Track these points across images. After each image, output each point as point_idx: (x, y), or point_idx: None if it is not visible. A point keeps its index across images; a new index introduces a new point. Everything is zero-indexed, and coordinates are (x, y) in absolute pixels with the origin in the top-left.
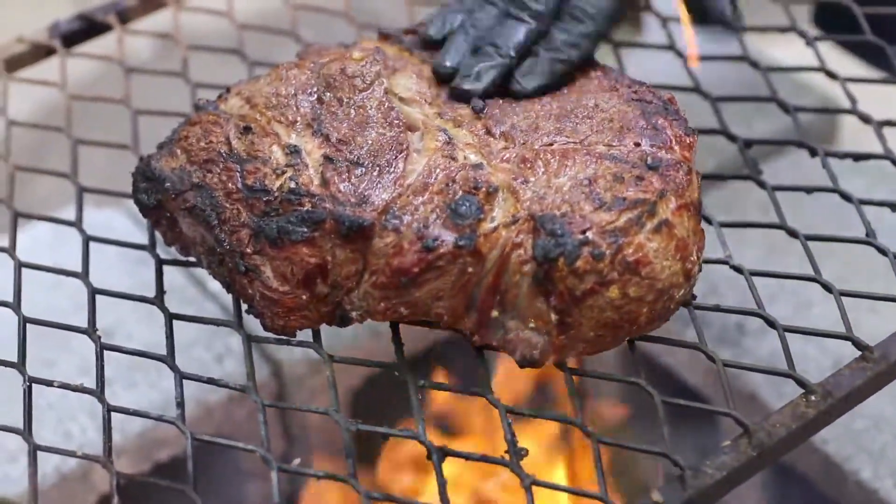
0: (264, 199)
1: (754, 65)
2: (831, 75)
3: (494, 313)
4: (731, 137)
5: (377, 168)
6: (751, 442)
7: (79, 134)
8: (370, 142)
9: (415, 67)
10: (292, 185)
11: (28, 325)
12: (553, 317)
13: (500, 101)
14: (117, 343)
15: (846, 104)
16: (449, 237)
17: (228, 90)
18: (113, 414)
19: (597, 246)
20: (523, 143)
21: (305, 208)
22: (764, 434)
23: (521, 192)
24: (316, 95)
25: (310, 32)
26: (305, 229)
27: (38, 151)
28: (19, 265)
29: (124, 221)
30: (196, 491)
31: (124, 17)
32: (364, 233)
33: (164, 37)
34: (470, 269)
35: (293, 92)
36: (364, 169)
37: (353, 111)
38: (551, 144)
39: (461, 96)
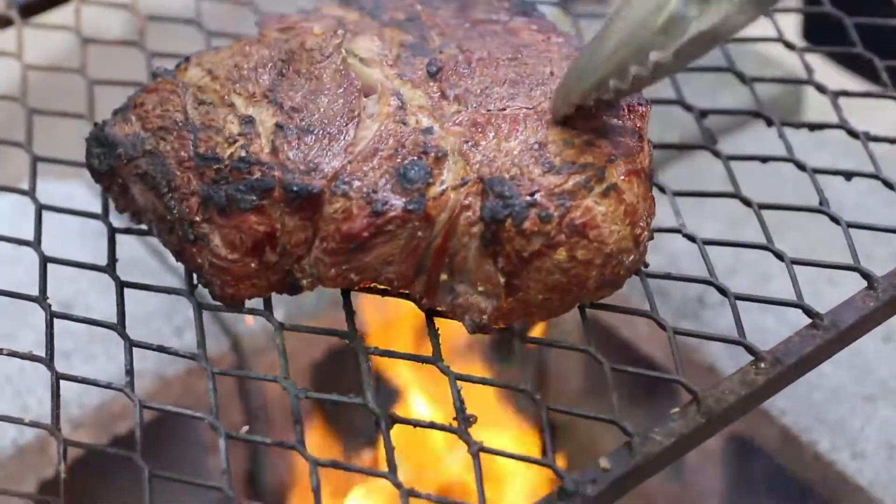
0: (214, 167)
1: None
2: (789, 45)
3: (443, 276)
4: (688, 108)
5: (327, 136)
6: (699, 409)
7: (40, 103)
8: (322, 109)
9: (375, 31)
10: (242, 153)
11: None
12: (501, 279)
13: (457, 63)
14: (76, 313)
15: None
16: (398, 201)
17: (188, 60)
18: (73, 387)
19: (544, 208)
20: (476, 107)
21: (255, 177)
22: (713, 401)
23: (472, 156)
24: (277, 69)
25: (268, 3)
26: (254, 197)
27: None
28: None
29: (85, 193)
30: (143, 458)
31: None
32: (313, 200)
33: (122, 7)
34: (419, 234)
35: (254, 66)
36: (314, 136)
37: (309, 81)
38: (504, 109)
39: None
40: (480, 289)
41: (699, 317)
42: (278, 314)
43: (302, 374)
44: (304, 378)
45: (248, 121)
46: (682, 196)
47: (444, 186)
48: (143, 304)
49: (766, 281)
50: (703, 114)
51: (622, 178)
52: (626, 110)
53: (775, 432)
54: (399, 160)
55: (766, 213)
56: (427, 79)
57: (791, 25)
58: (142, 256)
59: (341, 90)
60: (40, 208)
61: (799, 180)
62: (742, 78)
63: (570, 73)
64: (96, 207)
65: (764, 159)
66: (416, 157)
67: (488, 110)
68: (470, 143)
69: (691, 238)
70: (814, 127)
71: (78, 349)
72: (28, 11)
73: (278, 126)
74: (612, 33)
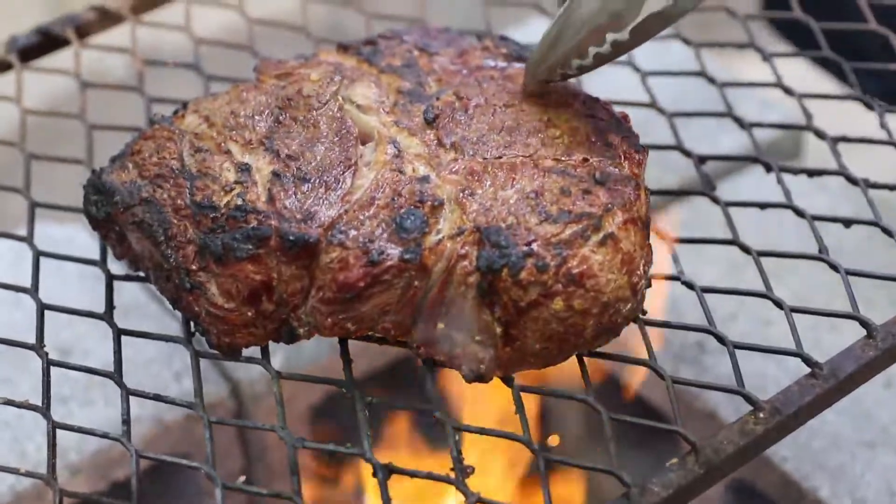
0: (211, 215)
1: (711, 80)
2: (788, 91)
3: (440, 326)
4: (686, 153)
5: (324, 184)
6: (698, 459)
7: (39, 147)
8: (319, 157)
9: (373, 77)
10: (239, 201)
11: None
12: (498, 329)
13: (454, 111)
14: (74, 359)
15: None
16: (394, 251)
17: (185, 106)
18: (71, 433)
19: (541, 258)
20: (472, 155)
21: (251, 225)
22: (711, 451)
23: (468, 205)
24: (273, 116)
25: (267, 47)
26: (250, 246)
27: None
28: None
29: (85, 237)
30: None
31: (82, 31)
32: (309, 249)
33: (121, 51)
34: (416, 283)
35: (251, 113)
36: (311, 185)
37: (306, 128)
38: (500, 157)
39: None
40: (478, 338)
41: (699, 362)
42: (277, 358)
43: (300, 418)
44: (303, 422)
45: (245, 168)
46: (681, 244)
47: (440, 236)
48: (142, 349)
49: (767, 326)
50: (701, 160)
51: (619, 226)
52: (623, 157)
53: (776, 478)
54: (396, 209)
55: (765, 258)
56: (424, 126)
57: (791, 69)
58: (142, 301)
59: (337, 138)
60: (38, 255)
61: (799, 224)
62: (741, 123)
63: (538, 51)
64: (95, 251)
65: (762, 206)
66: (412, 206)
67: (485, 158)
68: (466, 192)
69: (690, 286)
70: (812, 173)
71: (75, 395)
72: (27, 55)
73: (275, 174)
74: (573, 14)
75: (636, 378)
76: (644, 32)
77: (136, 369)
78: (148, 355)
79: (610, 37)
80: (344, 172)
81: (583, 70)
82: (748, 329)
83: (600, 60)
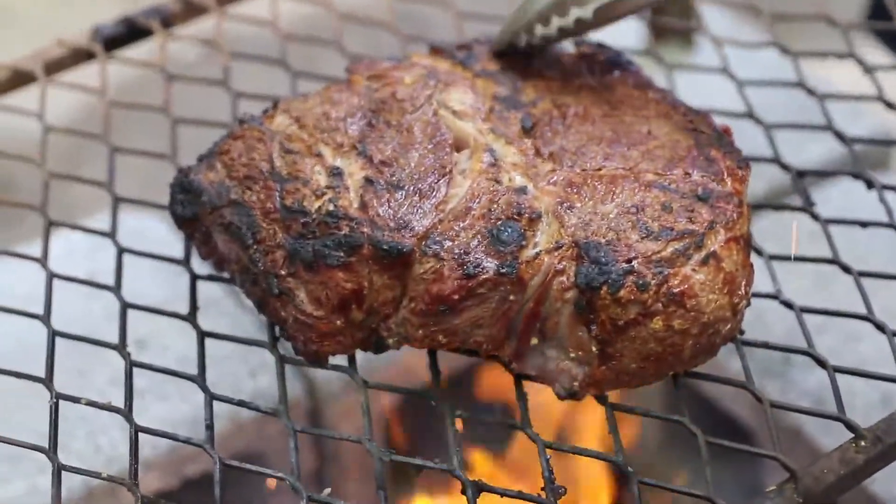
0: (302, 220)
1: (810, 92)
2: (890, 106)
3: (534, 341)
4: (785, 167)
5: (418, 192)
6: (797, 488)
7: (119, 137)
8: (413, 164)
9: (467, 82)
10: (331, 207)
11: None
12: (594, 347)
13: (552, 119)
14: (152, 353)
15: None
16: (490, 264)
17: (275, 106)
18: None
19: (641, 276)
20: (571, 166)
21: (343, 232)
22: (811, 480)
23: (566, 218)
24: (366, 119)
25: (354, 43)
26: (342, 254)
27: (77, 154)
28: (51, 276)
29: (160, 228)
30: None
31: (167, 22)
32: (403, 259)
33: (206, 43)
34: (511, 297)
35: (343, 115)
36: (405, 192)
37: (400, 133)
38: (600, 169)
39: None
40: (572, 355)
41: (785, 376)
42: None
43: (376, 423)
44: (378, 427)
45: (337, 173)
46: (777, 260)
47: (537, 249)
48: (218, 345)
49: (857, 341)
50: (800, 174)
51: (721, 245)
52: (726, 173)
53: (864, 499)
54: (492, 220)
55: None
56: (521, 135)
57: (889, 80)
58: (218, 296)
59: (432, 144)
60: (121, 252)
61: (890, 235)
62: (843, 138)
63: (509, 17)
64: (172, 242)
65: (864, 224)
66: (509, 218)
67: (584, 170)
68: (565, 205)
69: (789, 305)
70: None
71: (151, 388)
72: (112, 45)
73: (367, 180)
74: None
75: (722, 392)
76: (607, 17)
77: (213, 365)
78: (224, 351)
79: (574, 11)
80: (438, 180)
81: (548, 41)
82: (838, 345)
83: (563, 34)
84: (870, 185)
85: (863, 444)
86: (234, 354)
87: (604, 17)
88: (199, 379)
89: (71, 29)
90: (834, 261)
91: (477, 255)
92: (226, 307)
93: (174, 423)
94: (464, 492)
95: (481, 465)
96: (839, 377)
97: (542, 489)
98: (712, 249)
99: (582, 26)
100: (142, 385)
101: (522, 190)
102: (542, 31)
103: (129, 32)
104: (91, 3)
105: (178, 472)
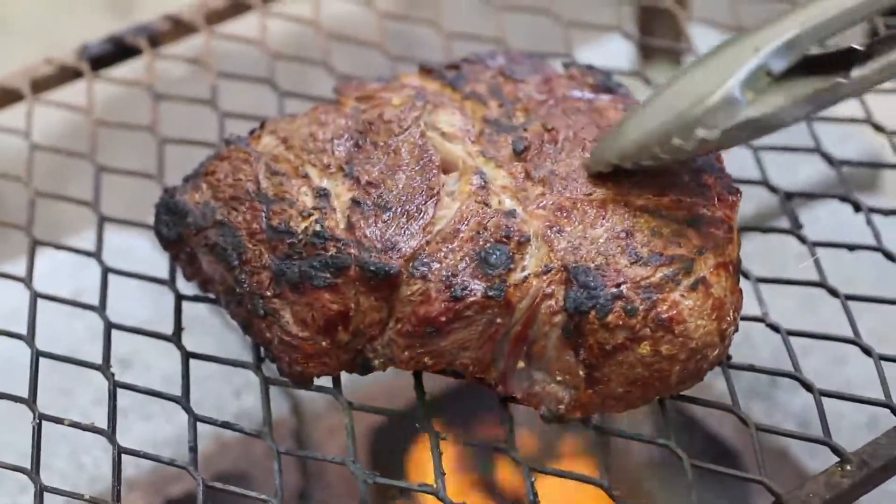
0: (288, 241)
1: None
2: (879, 128)
3: (521, 364)
4: (773, 189)
5: (405, 213)
6: None
7: (105, 156)
8: (401, 185)
9: (456, 104)
10: (317, 227)
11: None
12: (581, 371)
13: (543, 143)
14: (136, 372)
15: (891, 156)
16: (478, 286)
17: (262, 126)
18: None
19: (630, 301)
20: (561, 191)
21: (329, 253)
22: None
23: (556, 242)
24: (353, 140)
25: (342, 62)
26: (328, 275)
27: (63, 173)
28: (35, 296)
29: (145, 247)
30: None
31: (155, 41)
32: (390, 281)
33: (194, 62)
34: (498, 320)
35: (329, 136)
36: (392, 213)
37: (387, 155)
38: (590, 194)
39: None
40: (559, 378)
41: (771, 397)
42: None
43: (360, 441)
44: (363, 446)
45: (323, 194)
46: (765, 283)
47: (525, 273)
48: (202, 364)
49: (842, 363)
50: (788, 196)
51: (711, 271)
52: (717, 199)
53: None
54: (480, 243)
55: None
56: (511, 158)
57: (877, 102)
58: (204, 315)
59: (419, 166)
60: (106, 271)
61: (878, 258)
62: (831, 161)
63: (613, 133)
64: (158, 261)
65: (851, 247)
66: (498, 241)
67: (574, 194)
68: (554, 229)
69: (775, 328)
70: None
71: (135, 408)
72: (99, 63)
73: (354, 201)
74: (662, 102)
75: (709, 413)
76: (735, 137)
77: (197, 384)
78: (208, 371)
79: (700, 132)
80: (426, 202)
81: (658, 161)
82: (823, 367)
83: (679, 156)
84: (857, 208)
85: (848, 468)
86: (219, 374)
87: (730, 139)
88: (183, 400)
89: (64, 39)
90: (821, 284)
91: (465, 278)
92: (211, 326)
93: (158, 443)
94: None
95: (465, 487)
96: (827, 400)
97: None
98: (701, 275)
99: (704, 146)
100: (125, 404)
101: (512, 213)
102: (658, 153)
103: (117, 51)
104: (85, 13)
105: (162, 492)
